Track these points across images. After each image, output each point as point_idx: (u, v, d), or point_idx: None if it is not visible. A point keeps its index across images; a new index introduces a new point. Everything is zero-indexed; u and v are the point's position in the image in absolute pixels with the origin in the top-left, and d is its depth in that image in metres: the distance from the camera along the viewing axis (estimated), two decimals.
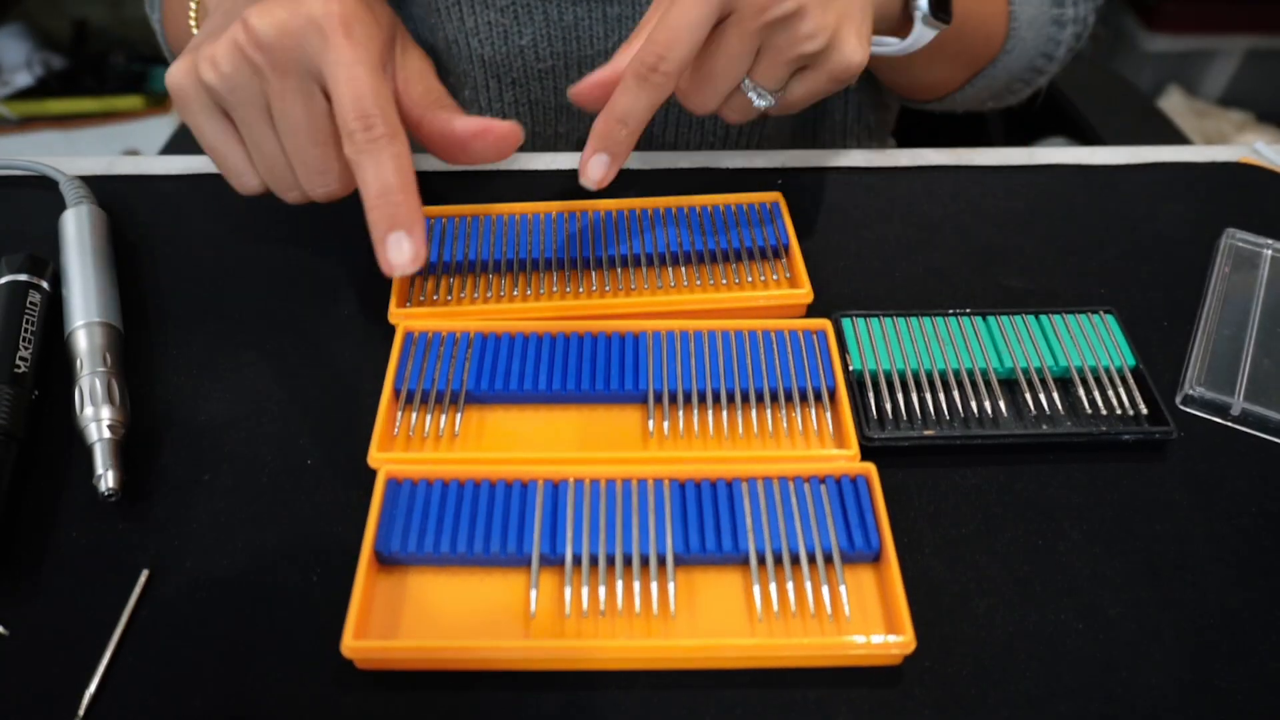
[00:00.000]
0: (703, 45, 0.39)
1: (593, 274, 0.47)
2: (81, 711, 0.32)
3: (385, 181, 0.37)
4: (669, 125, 0.64)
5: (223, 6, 0.41)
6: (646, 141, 0.65)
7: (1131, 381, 0.43)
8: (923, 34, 0.46)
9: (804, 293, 0.45)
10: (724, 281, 0.47)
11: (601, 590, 0.35)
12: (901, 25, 0.47)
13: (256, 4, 0.37)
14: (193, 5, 0.48)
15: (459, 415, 0.41)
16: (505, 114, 0.62)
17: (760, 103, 0.42)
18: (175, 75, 0.39)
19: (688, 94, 0.42)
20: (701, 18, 0.38)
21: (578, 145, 0.64)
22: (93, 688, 0.33)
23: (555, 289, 0.46)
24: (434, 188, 0.53)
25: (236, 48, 0.37)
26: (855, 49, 0.41)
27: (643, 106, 0.39)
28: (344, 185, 0.40)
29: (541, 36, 0.58)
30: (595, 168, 0.41)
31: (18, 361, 0.41)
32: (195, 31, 0.47)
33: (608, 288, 0.46)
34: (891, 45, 0.47)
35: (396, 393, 0.41)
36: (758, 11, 0.38)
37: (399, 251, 0.37)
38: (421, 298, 0.45)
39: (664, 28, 0.38)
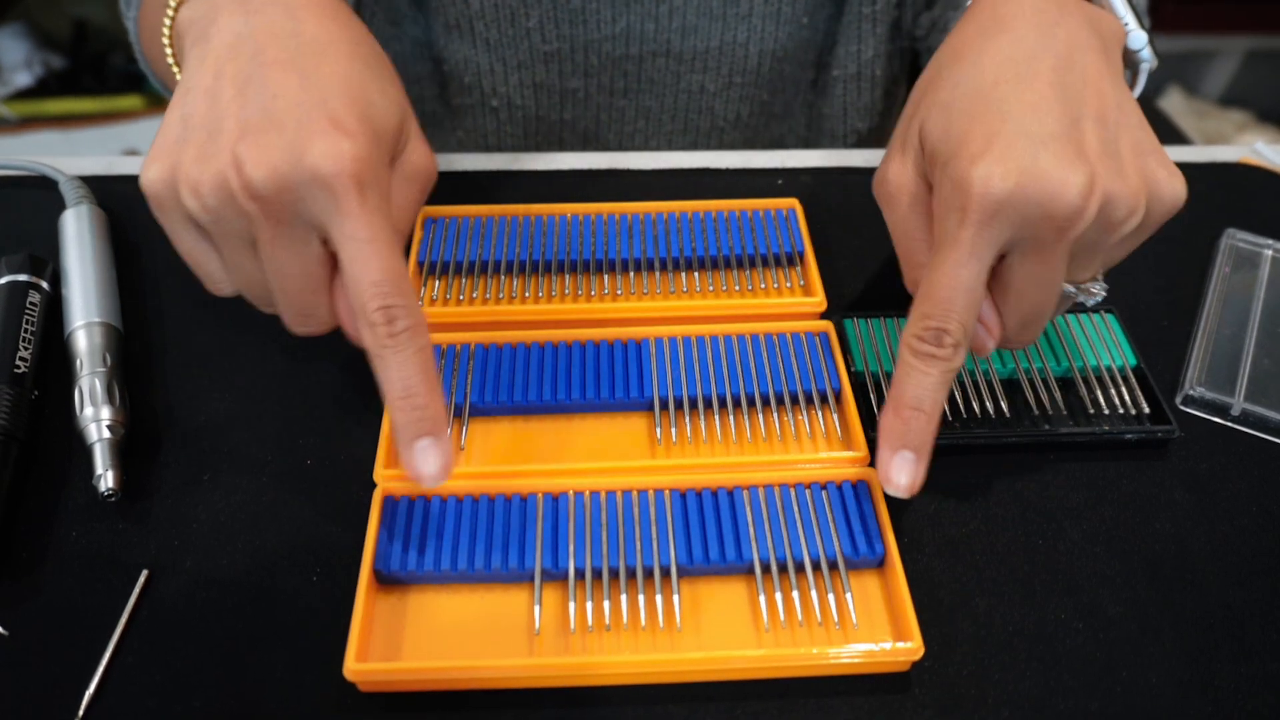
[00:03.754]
0: (992, 283, 0.35)
1: (604, 277, 0.46)
2: (81, 711, 0.32)
3: (409, 383, 0.33)
4: (666, 125, 0.64)
5: (203, 68, 0.34)
6: (644, 146, 0.65)
7: (1133, 380, 0.43)
8: (1143, 84, 0.41)
9: (817, 301, 0.45)
10: (736, 287, 0.46)
11: (606, 604, 0.35)
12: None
13: (249, 135, 0.32)
14: (166, 32, 0.42)
15: (464, 428, 0.41)
16: (510, 98, 0.62)
17: (1093, 301, 0.37)
18: (153, 183, 0.34)
19: (1010, 337, 0.36)
20: (974, 274, 0.33)
21: (584, 133, 0.64)
22: (93, 688, 0.33)
23: (566, 292, 0.46)
24: (439, 189, 0.53)
25: (225, 189, 0.32)
26: (1174, 185, 0.34)
27: (935, 386, 0.34)
28: (329, 328, 0.37)
29: (549, 19, 0.58)
30: (901, 472, 0.35)
31: (18, 361, 0.41)
32: (171, 62, 0.42)
33: (619, 291, 0.46)
34: None
35: None
36: (1059, 233, 0.32)
37: (427, 462, 0.34)
38: (434, 298, 0.45)
39: (931, 296, 0.34)
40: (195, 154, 0.32)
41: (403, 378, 0.33)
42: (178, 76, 0.42)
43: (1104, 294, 0.37)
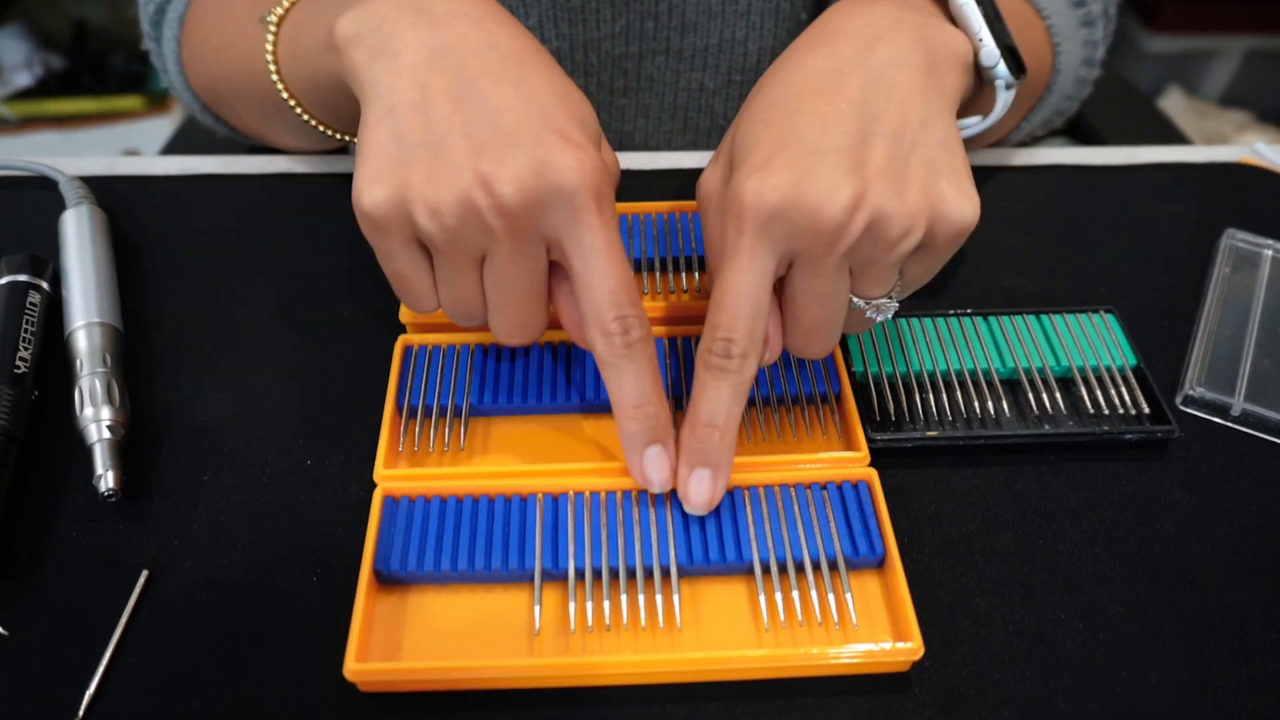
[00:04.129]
0: (780, 296, 0.35)
1: None
2: (81, 711, 0.32)
3: (643, 392, 0.34)
4: (666, 124, 0.64)
5: (401, 82, 0.34)
6: (644, 144, 0.65)
7: (1133, 380, 0.43)
8: (1006, 100, 0.39)
9: None
10: None
11: (606, 604, 0.35)
12: (977, 100, 0.40)
13: (487, 152, 0.32)
14: (270, 39, 0.43)
15: (464, 429, 0.41)
16: None
17: (882, 316, 0.36)
18: (379, 205, 0.33)
19: (799, 349, 0.37)
20: (753, 283, 0.33)
21: None
22: (93, 688, 0.33)
23: None
24: None
25: (472, 207, 0.32)
26: (961, 207, 0.33)
27: (728, 400, 0.34)
28: (540, 336, 0.37)
29: (548, 18, 0.58)
30: (697, 489, 0.35)
31: (18, 362, 0.41)
32: (272, 68, 0.43)
33: None
34: (975, 125, 0.40)
35: (399, 408, 0.41)
36: (827, 247, 0.32)
37: (657, 468, 0.35)
38: None
39: (718, 306, 0.34)
40: (426, 174, 0.32)
41: (637, 387, 0.34)
42: (291, 101, 0.45)
43: (891, 313, 0.36)
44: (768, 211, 0.32)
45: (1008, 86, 0.39)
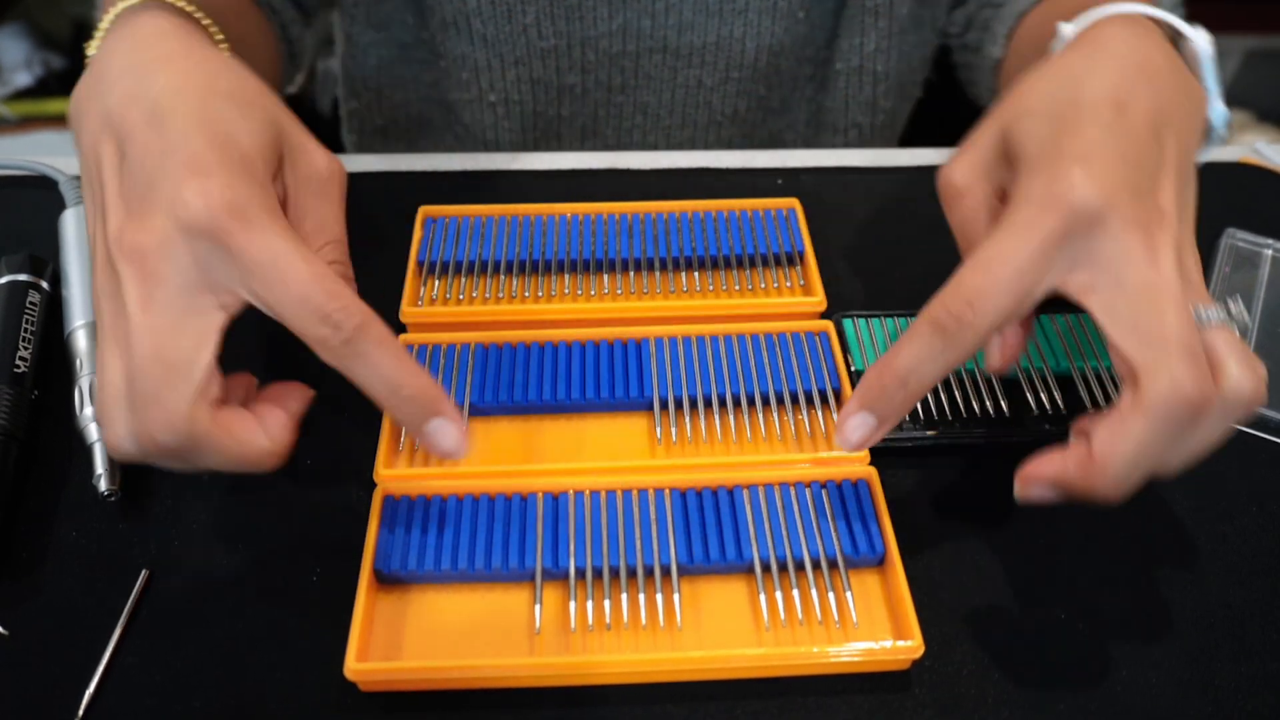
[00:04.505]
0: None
1: (604, 277, 0.46)
2: (81, 711, 0.32)
3: (389, 378, 0.32)
4: (664, 120, 0.64)
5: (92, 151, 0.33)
6: (642, 141, 0.65)
7: None
8: (1205, 150, 0.39)
9: (817, 300, 0.45)
10: (736, 287, 0.46)
11: (606, 603, 0.35)
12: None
13: (136, 206, 0.31)
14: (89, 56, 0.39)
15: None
16: (508, 94, 0.62)
17: (1240, 328, 0.33)
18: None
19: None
20: (1031, 263, 0.31)
21: (581, 129, 0.64)
22: (92, 688, 0.33)
23: (566, 291, 0.46)
24: (439, 188, 0.53)
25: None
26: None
27: (937, 367, 0.32)
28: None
29: (545, 15, 0.58)
30: (856, 430, 0.34)
31: (18, 361, 0.41)
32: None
33: (619, 291, 0.46)
34: None
35: None
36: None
37: (445, 439, 0.33)
38: (434, 297, 0.45)
39: (977, 266, 0.31)
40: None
41: (380, 377, 0.32)
42: None
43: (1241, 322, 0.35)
44: (1084, 206, 0.31)
45: (1219, 141, 0.39)
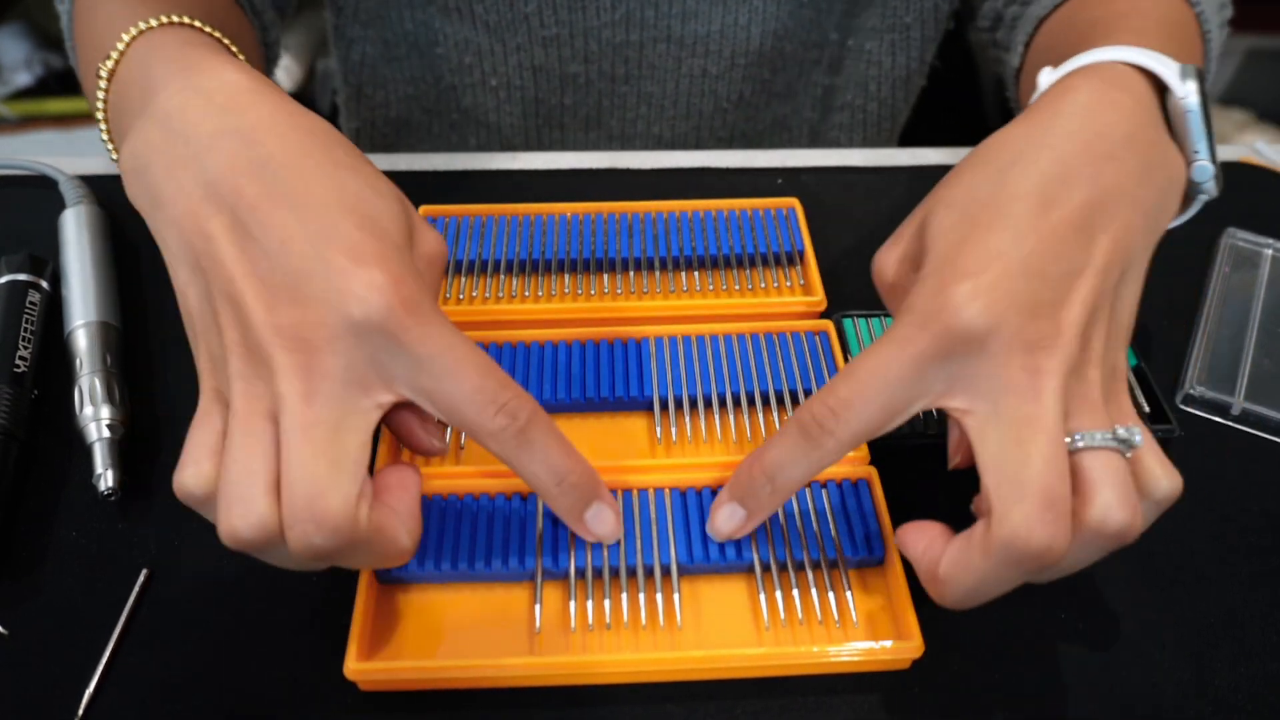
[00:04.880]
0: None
1: (604, 277, 0.46)
2: (81, 711, 0.32)
3: (558, 467, 0.32)
4: (669, 110, 0.64)
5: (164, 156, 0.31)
6: (646, 131, 0.65)
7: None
8: (1197, 208, 0.38)
9: (817, 300, 0.45)
10: (736, 287, 0.46)
11: (606, 603, 0.35)
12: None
13: (283, 294, 0.28)
14: (101, 97, 0.37)
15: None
16: (509, 79, 0.62)
17: (1129, 449, 0.30)
18: (201, 378, 0.31)
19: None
20: (901, 380, 0.30)
21: (585, 119, 0.64)
22: (92, 688, 0.33)
23: (566, 291, 0.46)
24: (439, 188, 0.53)
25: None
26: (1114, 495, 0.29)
27: (799, 470, 0.32)
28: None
29: (547, 4, 0.58)
30: (726, 521, 0.34)
31: (17, 361, 0.41)
32: (103, 127, 0.37)
33: (619, 291, 0.46)
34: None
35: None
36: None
37: (603, 524, 0.34)
38: None
39: (848, 374, 0.31)
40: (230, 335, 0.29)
41: (549, 466, 0.32)
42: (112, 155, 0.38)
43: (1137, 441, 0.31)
44: (966, 327, 0.29)
45: (1208, 200, 0.37)
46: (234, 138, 0.30)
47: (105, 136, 0.38)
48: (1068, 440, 0.29)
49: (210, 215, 0.30)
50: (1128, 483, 0.29)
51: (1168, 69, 0.36)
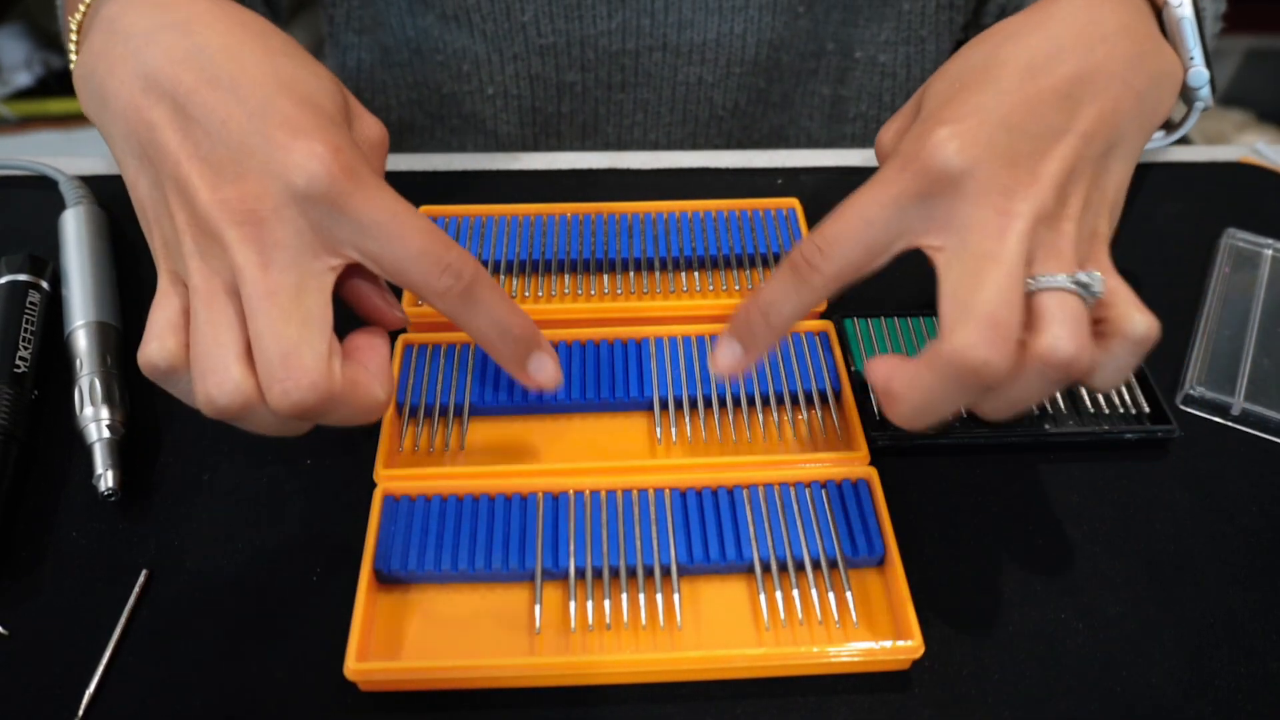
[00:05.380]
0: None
1: (604, 277, 0.46)
2: (81, 711, 0.32)
3: (500, 321, 0.34)
4: (665, 117, 0.64)
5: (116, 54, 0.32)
6: (643, 139, 0.65)
7: (1133, 380, 0.43)
8: (1195, 119, 0.40)
9: None
10: (736, 287, 0.46)
11: (606, 603, 0.35)
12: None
13: (227, 170, 0.30)
14: (73, 39, 0.38)
15: (464, 429, 0.41)
16: (506, 87, 0.62)
17: (1090, 294, 0.31)
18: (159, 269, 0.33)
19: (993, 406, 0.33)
20: (881, 218, 0.32)
21: (582, 126, 0.64)
22: (92, 688, 0.33)
23: (566, 291, 0.46)
24: (439, 189, 0.53)
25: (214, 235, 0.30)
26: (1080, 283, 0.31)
27: (790, 306, 0.34)
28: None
29: (544, 13, 0.58)
30: (725, 356, 0.36)
31: (18, 361, 0.41)
32: (71, 37, 0.38)
33: (619, 291, 0.46)
34: (1159, 141, 0.41)
35: (399, 408, 0.41)
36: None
37: (543, 372, 0.35)
38: None
39: (834, 215, 0.33)
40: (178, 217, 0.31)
41: (493, 320, 0.33)
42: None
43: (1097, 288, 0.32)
44: (942, 167, 0.31)
45: (1204, 108, 0.39)
46: (170, 30, 0.32)
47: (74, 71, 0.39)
48: (1029, 281, 0.31)
49: (151, 105, 0.31)
50: (1080, 320, 0.31)
51: None
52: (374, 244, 0.31)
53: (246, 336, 0.30)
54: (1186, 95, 0.39)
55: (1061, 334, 0.30)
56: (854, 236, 0.33)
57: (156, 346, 0.31)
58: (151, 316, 0.31)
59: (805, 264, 0.33)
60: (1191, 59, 0.38)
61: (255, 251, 0.30)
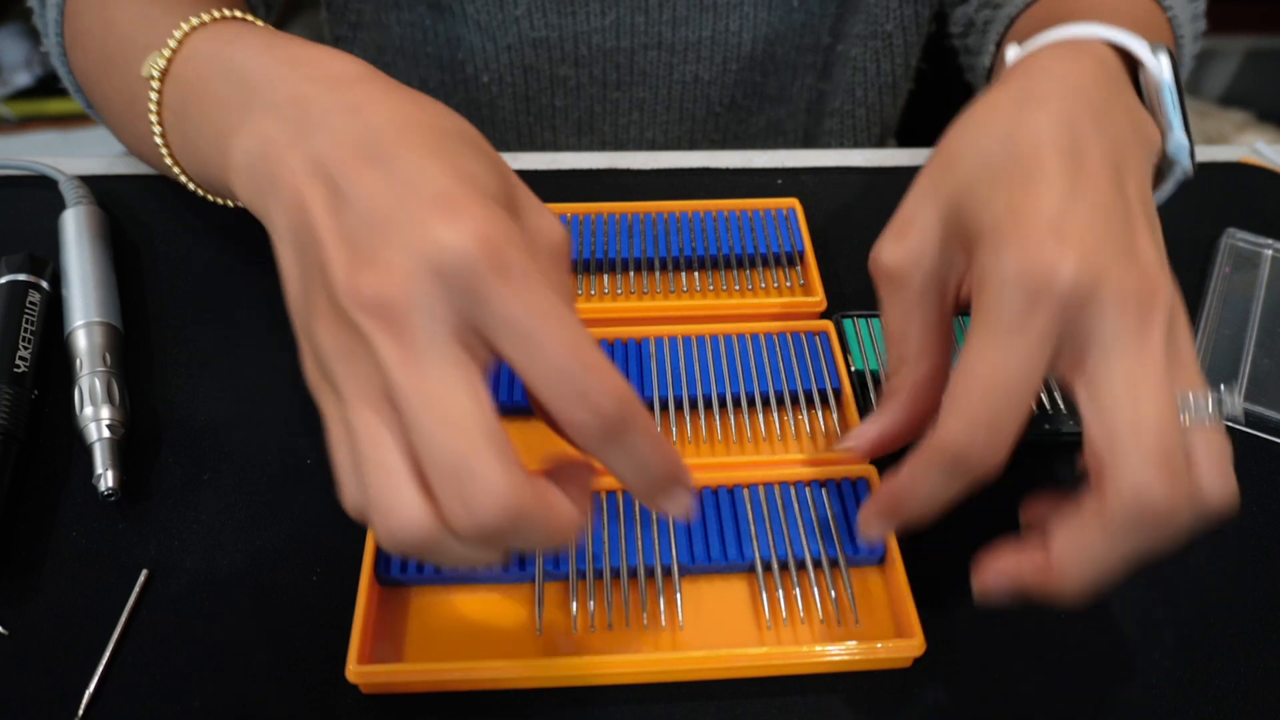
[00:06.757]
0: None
1: (604, 277, 0.46)
2: (81, 711, 0.32)
3: (638, 465, 0.28)
4: (661, 115, 0.64)
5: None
6: (639, 137, 0.65)
7: None
8: (1171, 187, 0.38)
9: (817, 300, 0.45)
10: (736, 287, 0.46)
11: (608, 604, 0.35)
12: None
13: (364, 251, 0.26)
14: (154, 98, 0.36)
15: None
16: (501, 75, 0.62)
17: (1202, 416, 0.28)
18: (303, 360, 0.28)
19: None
20: (1026, 369, 0.28)
21: (577, 123, 0.64)
22: (92, 688, 0.33)
23: None
24: None
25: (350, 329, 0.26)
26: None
27: (943, 499, 0.30)
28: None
29: (537, 7, 0.58)
30: (875, 528, 0.33)
31: (17, 361, 0.41)
32: (156, 129, 0.37)
33: (619, 291, 0.46)
34: None
35: None
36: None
37: (675, 506, 0.30)
38: None
39: (965, 392, 0.28)
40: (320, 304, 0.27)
41: (629, 464, 0.28)
42: (178, 170, 0.40)
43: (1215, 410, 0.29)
44: (1072, 289, 0.27)
45: (1184, 179, 0.37)
46: (341, 111, 0.29)
47: (160, 140, 0.38)
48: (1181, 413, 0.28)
49: (310, 187, 0.27)
50: (1226, 461, 0.28)
51: (1139, 45, 0.35)
52: (509, 346, 0.26)
53: (412, 451, 0.25)
54: (1163, 165, 0.36)
55: (1215, 479, 0.27)
56: (1006, 408, 0.28)
57: (349, 491, 0.27)
58: (332, 454, 0.28)
59: (956, 465, 0.29)
60: (1171, 127, 0.35)
61: (397, 345, 0.25)
